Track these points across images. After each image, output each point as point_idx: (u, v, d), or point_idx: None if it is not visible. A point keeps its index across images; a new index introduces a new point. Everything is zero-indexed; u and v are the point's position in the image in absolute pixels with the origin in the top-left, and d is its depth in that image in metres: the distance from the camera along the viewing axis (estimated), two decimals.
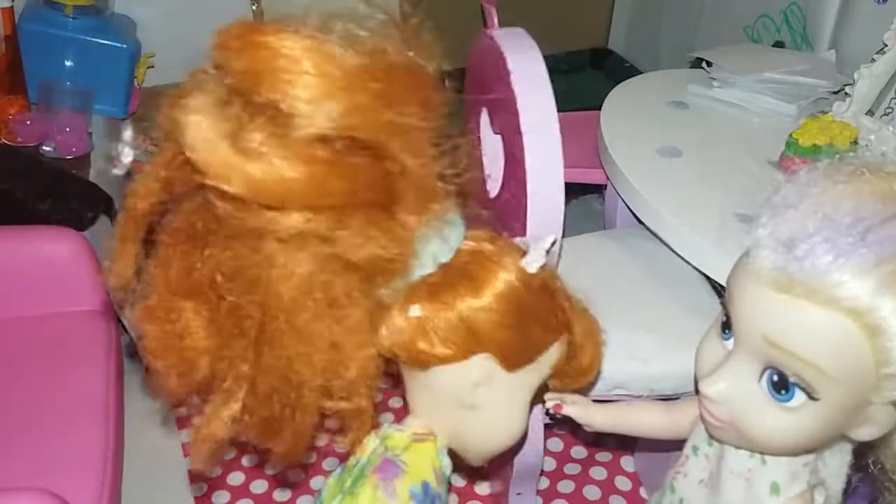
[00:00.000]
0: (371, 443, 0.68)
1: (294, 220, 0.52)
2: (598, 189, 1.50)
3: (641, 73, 1.67)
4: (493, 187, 0.98)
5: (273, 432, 0.63)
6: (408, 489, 0.64)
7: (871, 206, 0.51)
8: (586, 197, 1.80)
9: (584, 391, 0.73)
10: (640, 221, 1.08)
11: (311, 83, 0.49)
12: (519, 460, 1.05)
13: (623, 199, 1.12)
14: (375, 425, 0.67)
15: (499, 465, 1.16)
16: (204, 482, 1.26)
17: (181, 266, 0.57)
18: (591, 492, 1.25)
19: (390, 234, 0.55)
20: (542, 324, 0.64)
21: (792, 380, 0.53)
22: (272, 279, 0.54)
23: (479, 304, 0.60)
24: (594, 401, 0.82)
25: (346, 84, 0.50)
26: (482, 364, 0.62)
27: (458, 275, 0.61)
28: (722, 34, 1.78)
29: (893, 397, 0.52)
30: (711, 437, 0.66)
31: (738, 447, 0.63)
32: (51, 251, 1.21)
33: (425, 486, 0.65)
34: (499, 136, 0.93)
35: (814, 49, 1.53)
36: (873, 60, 1.17)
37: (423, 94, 0.55)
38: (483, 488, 1.26)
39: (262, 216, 0.52)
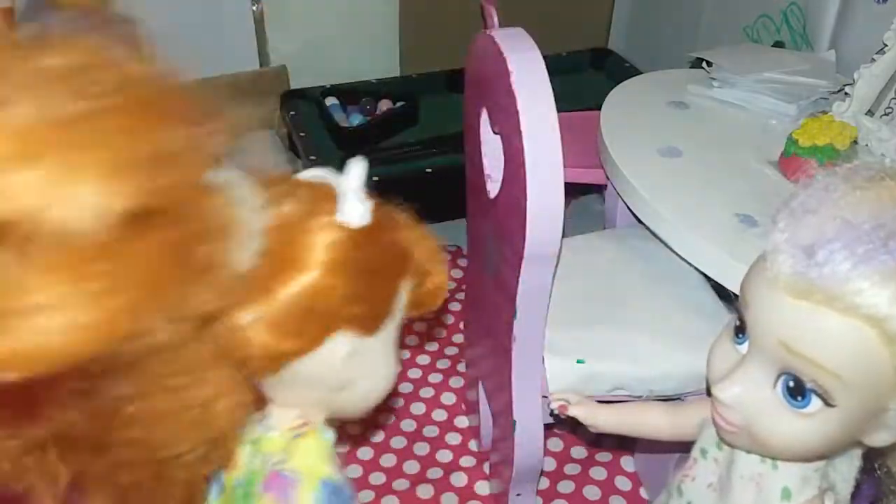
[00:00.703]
0: (243, 453, 0.61)
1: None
2: (598, 189, 1.50)
3: (641, 73, 1.67)
4: (493, 188, 0.98)
5: None
6: (311, 498, 0.58)
7: (892, 211, 0.51)
8: (586, 197, 1.80)
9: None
10: (640, 221, 1.08)
11: None
12: (519, 460, 1.05)
13: (623, 199, 1.12)
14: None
15: (499, 465, 1.16)
16: None
17: None
18: (591, 492, 1.25)
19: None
20: (387, 272, 0.57)
21: (808, 386, 0.53)
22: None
23: (309, 282, 0.52)
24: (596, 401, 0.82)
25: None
26: (341, 342, 0.56)
27: (275, 258, 0.52)
28: (722, 34, 1.78)
29: None
30: (723, 441, 0.66)
31: (749, 452, 0.63)
32: None
33: (326, 485, 0.59)
34: (499, 137, 0.93)
35: (814, 49, 1.53)
36: (873, 60, 1.17)
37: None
38: (483, 488, 1.26)
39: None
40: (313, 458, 0.60)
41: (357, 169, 0.56)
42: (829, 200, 0.52)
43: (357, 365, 0.58)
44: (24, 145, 0.35)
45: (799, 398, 0.54)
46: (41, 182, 0.35)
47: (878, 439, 0.56)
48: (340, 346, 0.56)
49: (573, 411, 0.80)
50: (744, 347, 0.58)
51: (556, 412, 0.82)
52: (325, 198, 0.55)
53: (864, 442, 0.57)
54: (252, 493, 0.59)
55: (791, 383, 0.54)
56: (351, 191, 0.55)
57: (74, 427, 0.46)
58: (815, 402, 0.53)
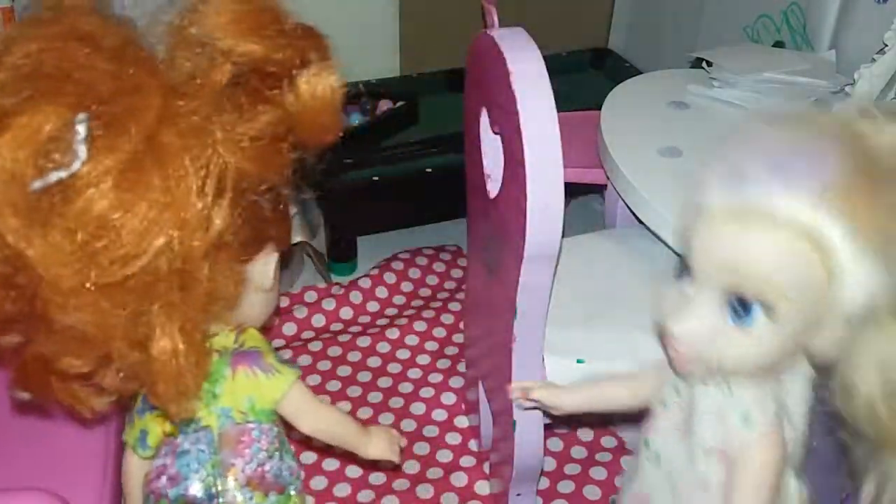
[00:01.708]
0: None
1: None
2: (598, 189, 1.50)
3: (641, 73, 1.67)
4: (493, 188, 0.98)
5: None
6: (274, 360, 0.78)
7: (810, 137, 0.57)
8: (586, 197, 1.80)
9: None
10: (640, 221, 1.08)
11: None
12: (519, 460, 1.05)
13: (623, 199, 1.12)
14: None
15: (499, 465, 1.16)
16: None
17: None
18: (591, 492, 1.25)
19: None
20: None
21: (752, 302, 0.58)
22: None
23: None
24: None
25: None
26: (272, 252, 0.78)
27: None
28: (722, 34, 1.78)
29: (845, 312, 0.57)
30: (679, 377, 0.70)
31: (705, 382, 0.67)
32: None
33: (276, 353, 0.80)
34: (499, 136, 0.93)
35: (814, 49, 1.53)
36: (873, 60, 1.17)
37: None
38: (483, 488, 1.26)
39: None
40: (258, 340, 0.81)
41: None
42: (752, 138, 0.58)
43: (272, 272, 0.80)
44: None
45: (745, 315, 0.58)
46: None
47: (821, 345, 0.61)
48: (273, 255, 0.79)
49: (534, 395, 0.84)
50: (690, 288, 0.62)
51: (518, 402, 0.85)
52: None
53: (810, 350, 0.62)
54: (220, 376, 0.76)
55: (735, 303, 0.59)
56: None
57: None
58: (760, 318, 0.58)
